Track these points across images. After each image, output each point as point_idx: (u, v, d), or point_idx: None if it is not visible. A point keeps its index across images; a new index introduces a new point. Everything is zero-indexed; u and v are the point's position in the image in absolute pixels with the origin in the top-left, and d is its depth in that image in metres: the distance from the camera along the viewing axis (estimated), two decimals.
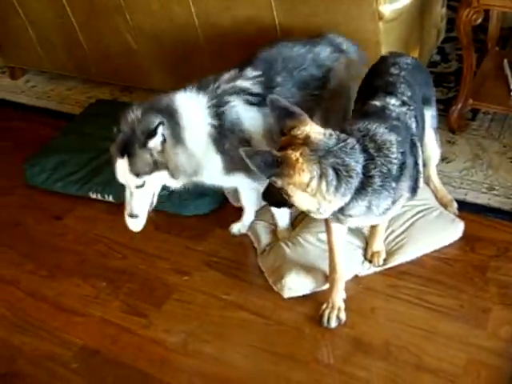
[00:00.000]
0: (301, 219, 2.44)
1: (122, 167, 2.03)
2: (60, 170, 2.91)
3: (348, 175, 1.69)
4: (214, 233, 2.53)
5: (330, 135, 1.72)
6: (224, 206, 2.64)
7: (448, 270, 2.23)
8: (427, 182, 2.42)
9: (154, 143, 1.99)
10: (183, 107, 2.10)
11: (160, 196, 2.25)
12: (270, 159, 1.66)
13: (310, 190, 1.69)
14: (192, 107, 2.11)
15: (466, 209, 2.43)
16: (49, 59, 3.72)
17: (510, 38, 3.53)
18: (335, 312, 2.10)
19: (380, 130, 1.77)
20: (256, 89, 2.17)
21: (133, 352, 2.15)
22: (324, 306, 2.12)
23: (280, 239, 2.38)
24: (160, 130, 1.97)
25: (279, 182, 1.69)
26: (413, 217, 2.35)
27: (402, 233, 2.32)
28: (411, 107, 1.93)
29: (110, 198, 2.75)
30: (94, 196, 2.78)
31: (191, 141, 2.09)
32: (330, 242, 2.08)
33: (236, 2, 2.68)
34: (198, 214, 2.62)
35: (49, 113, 3.59)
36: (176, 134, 2.05)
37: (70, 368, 2.14)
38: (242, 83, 2.16)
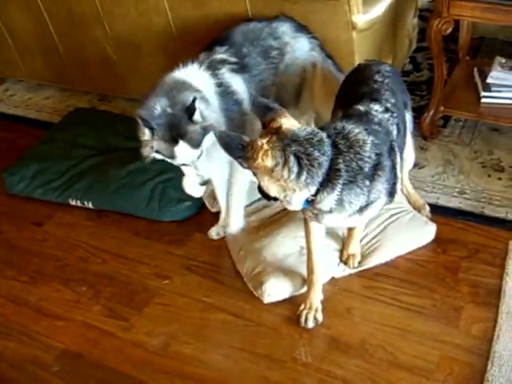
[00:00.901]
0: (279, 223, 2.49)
1: (181, 150, 2.14)
2: (39, 178, 2.93)
3: (310, 164, 1.76)
4: (193, 237, 2.57)
5: (303, 129, 1.82)
6: (202, 212, 2.69)
7: (421, 271, 2.30)
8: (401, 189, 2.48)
9: (197, 115, 2.12)
10: (192, 79, 2.26)
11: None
12: (239, 142, 1.81)
13: (274, 176, 1.78)
14: (198, 77, 2.30)
15: (438, 212, 2.50)
16: (27, 68, 3.74)
17: (480, 48, 3.64)
18: (312, 313, 2.15)
19: (355, 130, 1.84)
20: (232, 58, 2.39)
21: (114, 355, 2.18)
22: (302, 306, 2.17)
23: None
24: (196, 103, 2.11)
25: (245, 165, 1.83)
26: (386, 220, 2.41)
27: (376, 235, 2.39)
28: (394, 114, 1.99)
29: (90, 205, 2.78)
30: (73, 203, 2.81)
31: (210, 100, 2.26)
32: (308, 243, 2.13)
33: (212, 9, 2.73)
34: (177, 219, 2.66)
35: (27, 121, 3.61)
36: (203, 99, 2.21)
37: (52, 371, 2.16)
38: (218, 56, 2.37)
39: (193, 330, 2.21)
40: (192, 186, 2.37)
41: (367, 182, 1.82)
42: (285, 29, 2.49)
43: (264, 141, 1.78)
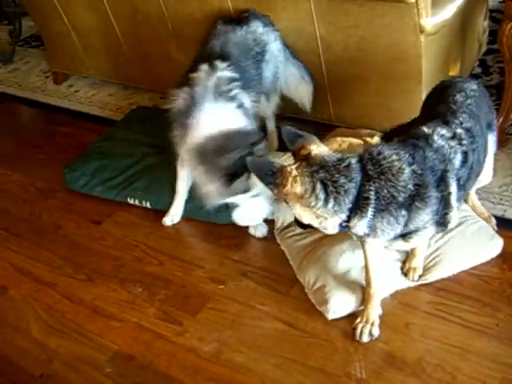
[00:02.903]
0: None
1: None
2: (99, 175, 2.96)
3: (336, 191, 1.74)
4: (250, 242, 2.55)
5: (333, 155, 1.80)
6: None
7: (485, 287, 2.20)
8: (465, 199, 2.39)
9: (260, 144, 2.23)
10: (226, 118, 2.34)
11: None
12: (269, 168, 1.80)
13: (304, 203, 1.77)
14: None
15: (504, 226, 2.39)
16: (91, 65, 3.80)
17: None
18: (368, 327, 2.09)
19: (392, 157, 1.77)
20: (235, 74, 2.42)
21: (166, 359, 2.17)
22: (358, 319, 2.11)
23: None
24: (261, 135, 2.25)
25: (275, 191, 1.82)
26: (451, 230, 2.30)
27: (440, 247, 2.30)
28: (463, 141, 1.88)
29: (148, 205, 2.79)
30: (131, 202, 2.82)
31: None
32: (365, 256, 2.08)
33: (277, 13, 2.70)
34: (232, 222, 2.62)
35: (90, 118, 3.66)
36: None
37: (104, 372, 2.16)
38: (223, 74, 2.38)
39: (246, 338, 2.18)
40: (256, 214, 2.38)
41: (403, 212, 1.76)
42: (260, 29, 2.59)
43: (293, 167, 1.78)
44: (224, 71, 2.40)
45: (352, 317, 2.16)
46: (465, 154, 1.87)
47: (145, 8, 3.16)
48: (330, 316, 2.17)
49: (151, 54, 3.39)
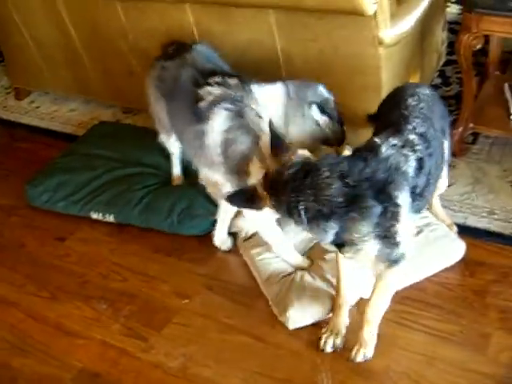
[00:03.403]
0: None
1: None
2: (62, 191, 2.92)
3: (277, 205, 1.86)
4: (215, 256, 2.54)
5: (281, 169, 1.85)
6: None
7: (448, 294, 2.23)
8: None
9: None
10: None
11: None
12: (250, 194, 1.89)
13: None
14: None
15: (466, 233, 2.42)
16: (53, 80, 3.76)
17: (511, 62, 3.56)
18: (332, 337, 2.09)
19: (324, 172, 1.77)
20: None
21: (133, 376, 2.15)
22: (323, 329, 2.12)
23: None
24: None
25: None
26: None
27: None
28: (417, 147, 1.87)
29: (111, 218, 2.77)
30: (95, 216, 2.79)
31: None
32: (338, 265, 2.08)
33: (236, 26, 2.71)
34: (195, 233, 2.63)
35: (52, 134, 3.62)
36: None
37: None
38: (231, 92, 2.29)
39: (212, 353, 2.17)
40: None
41: (331, 223, 1.76)
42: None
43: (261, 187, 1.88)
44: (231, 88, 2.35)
45: (317, 328, 2.16)
46: (420, 161, 1.86)
47: (105, 21, 3.14)
48: (291, 326, 2.18)
49: (113, 68, 3.37)
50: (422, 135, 1.91)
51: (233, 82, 2.30)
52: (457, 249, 2.35)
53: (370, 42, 2.47)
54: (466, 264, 2.33)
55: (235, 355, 2.15)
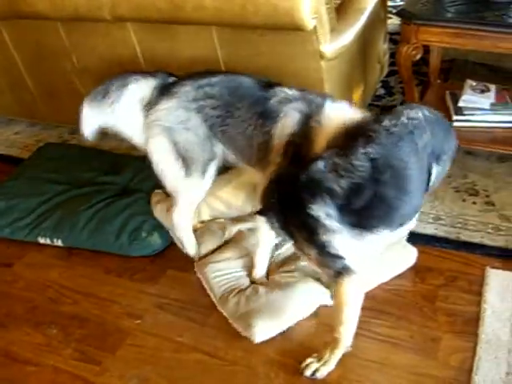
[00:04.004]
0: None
1: None
2: (8, 216, 2.85)
3: None
4: (165, 274, 2.52)
5: None
6: (174, 248, 2.63)
7: (398, 301, 2.26)
8: None
9: None
10: None
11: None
12: None
13: None
14: None
15: (413, 239, 2.46)
16: None
17: (452, 70, 3.66)
18: (322, 368, 2.06)
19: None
20: None
21: None
22: (314, 355, 2.08)
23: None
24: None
25: None
26: None
27: None
28: (357, 173, 1.88)
29: (59, 243, 2.72)
30: (43, 241, 2.74)
31: None
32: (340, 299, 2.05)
33: (180, 43, 2.71)
34: (146, 254, 2.61)
35: None
36: None
37: None
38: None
39: (166, 372, 2.14)
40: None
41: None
42: None
43: None
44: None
45: (270, 341, 2.17)
46: (357, 185, 1.88)
47: (47, 42, 3.10)
48: (257, 340, 2.17)
49: (57, 88, 3.33)
50: (373, 161, 1.89)
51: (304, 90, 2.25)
52: (409, 255, 2.40)
53: (312, 56, 2.51)
54: (416, 270, 2.38)
55: (190, 373, 2.13)
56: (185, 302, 2.39)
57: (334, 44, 2.51)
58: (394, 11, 3.43)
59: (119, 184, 2.93)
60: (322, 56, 2.49)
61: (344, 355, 2.07)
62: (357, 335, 2.14)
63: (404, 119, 1.96)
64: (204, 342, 2.22)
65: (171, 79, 2.38)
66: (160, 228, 2.64)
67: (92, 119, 2.44)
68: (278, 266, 2.44)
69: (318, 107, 2.13)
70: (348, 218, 1.89)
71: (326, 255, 1.92)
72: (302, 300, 2.26)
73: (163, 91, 2.33)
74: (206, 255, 2.53)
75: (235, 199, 2.66)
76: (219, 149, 2.36)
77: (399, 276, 2.35)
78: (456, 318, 2.19)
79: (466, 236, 2.50)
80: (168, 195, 2.65)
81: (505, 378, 1.98)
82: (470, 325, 2.16)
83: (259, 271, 2.41)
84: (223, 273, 2.42)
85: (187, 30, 2.66)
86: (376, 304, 2.26)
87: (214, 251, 2.54)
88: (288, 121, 2.15)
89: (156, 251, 2.62)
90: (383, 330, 2.17)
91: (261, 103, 2.22)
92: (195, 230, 2.59)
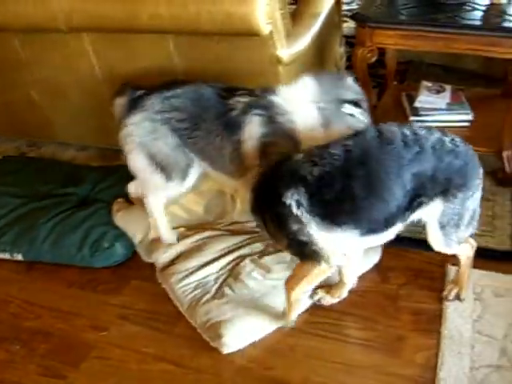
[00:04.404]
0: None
1: None
2: None
3: None
4: (128, 285, 2.50)
5: None
6: (136, 258, 2.62)
7: (361, 302, 2.28)
8: None
9: None
10: None
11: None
12: None
13: None
14: None
15: None
16: None
17: (408, 71, 3.71)
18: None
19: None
20: None
21: None
22: None
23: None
24: None
25: None
26: None
27: None
28: (328, 160, 1.92)
29: (19, 257, 2.68)
30: (2, 256, 2.70)
31: None
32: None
33: (136, 52, 2.70)
34: (109, 265, 2.59)
35: None
36: None
37: None
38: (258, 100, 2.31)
39: (132, 383, 2.13)
40: None
41: None
42: None
43: None
44: None
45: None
46: (327, 173, 1.91)
47: (2, 54, 3.06)
48: (225, 350, 2.17)
49: (13, 101, 3.28)
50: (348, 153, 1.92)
51: (257, 92, 2.29)
52: (374, 253, 2.41)
53: (269, 61, 2.53)
54: (377, 270, 2.40)
55: (156, 383, 2.12)
56: (150, 311, 2.37)
57: (291, 48, 2.54)
58: (350, 14, 3.47)
59: (78, 195, 2.90)
60: (278, 61, 2.51)
61: (309, 357, 2.10)
62: (322, 337, 2.17)
63: (406, 130, 1.93)
64: (170, 352, 2.20)
65: (139, 92, 2.37)
66: (122, 238, 2.62)
67: None
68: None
69: (272, 103, 2.21)
70: (318, 208, 1.92)
71: (295, 242, 1.99)
72: (273, 312, 2.26)
73: (132, 106, 2.34)
74: (169, 265, 2.51)
75: (196, 206, 2.67)
76: (193, 157, 2.38)
77: (361, 277, 2.36)
78: (419, 316, 2.22)
79: (425, 234, 2.52)
80: (130, 203, 2.65)
81: (468, 373, 2.01)
82: (434, 322, 2.18)
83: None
84: (189, 282, 2.40)
85: (144, 38, 2.65)
86: (340, 306, 2.28)
87: (177, 259, 2.52)
88: (253, 126, 2.20)
89: (118, 261, 2.60)
90: (348, 331, 2.19)
91: (223, 114, 2.25)
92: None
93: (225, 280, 2.39)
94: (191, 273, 2.43)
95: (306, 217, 1.92)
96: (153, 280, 2.49)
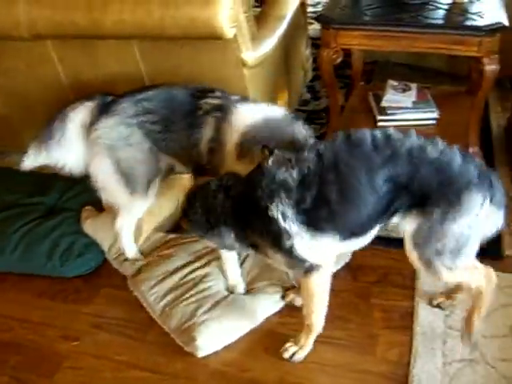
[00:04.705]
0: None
1: None
2: None
3: None
4: (99, 293, 2.48)
5: None
6: (106, 266, 2.60)
7: (334, 301, 2.23)
8: None
9: None
10: None
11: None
12: None
13: None
14: None
15: None
16: None
17: (374, 72, 3.75)
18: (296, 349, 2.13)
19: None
20: None
21: None
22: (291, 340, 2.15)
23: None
24: None
25: None
26: None
27: None
28: (306, 164, 1.85)
29: None
30: None
31: None
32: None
33: (101, 58, 2.69)
34: (79, 274, 2.56)
35: None
36: None
37: None
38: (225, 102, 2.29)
39: None
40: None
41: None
42: None
43: None
44: None
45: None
46: (304, 176, 1.84)
47: None
48: (200, 354, 2.16)
49: None
50: (320, 156, 1.86)
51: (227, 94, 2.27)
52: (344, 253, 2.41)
53: (235, 65, 2.54)
54: (349, 269, 2.41)
55: None
56: (122, 319, 2.35)
57: (256, 51, 2.54)
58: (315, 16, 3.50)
59: (46, 204, 2.87)
60: (244, 64, 2.52)
61: (283, 358, 2.10)
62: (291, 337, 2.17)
63: (378, 133, 1.86)
64: (144, 359, 2.19)
65: (109, 98, 2.35)
66: (92, 246, 2.60)
67: (40, 159, 2.42)
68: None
69: (229, 110, 2.18)
70: (301, 216, 1.85)
71: (293, 258, 1.91)
72: (247, 314, 2.26)
73: (102, 110, 2.30)
74: (139, 272, 2.50)
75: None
76: (164, 162, 2.35)
77: (333, 276, 2.35)
78: (391, 313, 2.24)
79: (396, 233, 2.53)
80: (98, 211, 2.63)
81: (441, 368, 2.04)
82: (406, 319, 2.21)
83: (235, 283, 2.41)
84: (161, 288, 2.39)
85: (109, 45, 2.64)
86: None
87: (146, 266, 2.51)
88: (207, 128, 2.19)
89: (89, 270, 2.58)
90: (322, 331, 2.19)
91: (190, 115, 2.23)
92: None
93: (196, 284, 2.38)
94: (162, 279, 2.42)
95: (295, 229, 1.85)
96: (124, 287, 2.46)
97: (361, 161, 1.82)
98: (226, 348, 2.19)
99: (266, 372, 2.09)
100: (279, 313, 2.29)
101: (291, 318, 2.25)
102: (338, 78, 3.02)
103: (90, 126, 2.32)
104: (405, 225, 1.91)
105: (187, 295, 2.35)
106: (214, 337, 2.19)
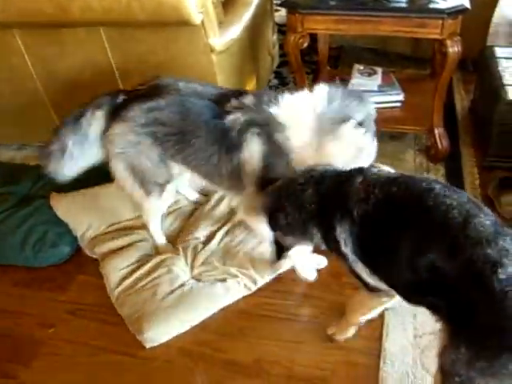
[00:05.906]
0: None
1: None
2: None
3: None
4: (74, 280, 2.49)
5: None
6: (81, 253, 2.61)
7: (307, 281, 2.33)
8: None
9: None
10: None
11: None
12: None
13: None
14: None
15: None
16: None
17: (341, 56, 3.80)
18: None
19: None
20: None
21: None
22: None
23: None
24: None
25: None
26: None
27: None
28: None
29: None
30: None
31: None
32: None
33: (69, 47, 2.68)
34: (54, 263, 2.56)
35: None
36: None
37: None
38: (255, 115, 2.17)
39: (85, 377, 2.12)
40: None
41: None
42: None
43: None
44: None
45: (184, 335, 2.21)
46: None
47: None
48: (148, 344, 2.19)
49: None
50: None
51: (248, 101, 2.11)
52: None
53: (203, 50, 2.56)
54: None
55: (109, 375, 2.12)
56: (97, 305, 2.37)
57: (223, 37, 2.57)
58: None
59: (18, 194, 2.85)
60: (211, 49, 2.54)
61: (259, 339, 2.16)
62: (269, 318, 2.23)
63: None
64: (120, 343, 2.21)
65: (119, 99, 2.26)
66: (64, 235, 2.60)
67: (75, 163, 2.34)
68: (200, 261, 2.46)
69: (271, 119, 2.05)
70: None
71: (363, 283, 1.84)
72: (199, 306, 2.28)
73: (113, 114, 2.23)
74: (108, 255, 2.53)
75: None
76: (177, 169, 2.30)
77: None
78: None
79: None
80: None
81: (413, 340, 2.11)
82: None
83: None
84: (120, 273, 2.43)
85: (76, 33, 2.64)
86: (284, 286, 2.33)
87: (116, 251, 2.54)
88: (252, 147, 2.09)
89: (62, 260, 2.58)
90: (295, 309, 2.24)
91: (219, 133, 2.11)
92: None
93: (154, 269, 2.42)
94: (127, 266, 2.45)
95: (352, 257, 1.74)
96: (98, 274, 2.48)
97: None
98: (202, 328, 2.22)
99: (242, 352, 2.13)
100: (253, 294, 2.32)
101: (265, 299, 2.29)
102: (305, 63, 3.05)
103: (105, 131, 2.27)
104: None
105: (144, 282, 2.37)
106: (161, 330, 2.20)
